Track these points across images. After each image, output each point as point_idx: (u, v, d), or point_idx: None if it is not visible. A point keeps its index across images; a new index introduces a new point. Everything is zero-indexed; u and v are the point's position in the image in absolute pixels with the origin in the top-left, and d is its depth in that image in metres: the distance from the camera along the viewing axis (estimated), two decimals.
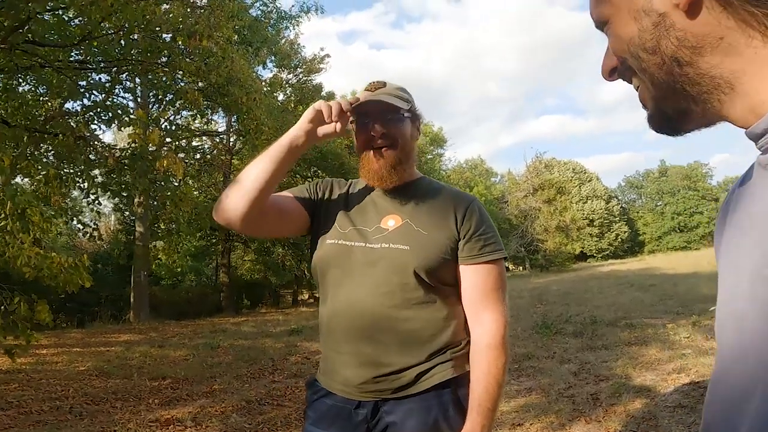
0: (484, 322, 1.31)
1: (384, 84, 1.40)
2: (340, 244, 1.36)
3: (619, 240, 45.30)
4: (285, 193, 1.46)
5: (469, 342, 1.34)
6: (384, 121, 1.33)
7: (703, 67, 0.46)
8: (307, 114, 1.29)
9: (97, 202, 7.24)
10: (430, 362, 1.30)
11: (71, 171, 6.65)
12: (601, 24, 0.54)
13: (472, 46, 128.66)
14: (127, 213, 16.26)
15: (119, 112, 6.16)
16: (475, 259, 1.33)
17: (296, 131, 1.31)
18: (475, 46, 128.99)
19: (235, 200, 1.29)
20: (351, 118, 1.37)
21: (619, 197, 52.77)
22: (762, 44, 0.44)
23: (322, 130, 1.32)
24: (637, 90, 0.55)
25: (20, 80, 6.99)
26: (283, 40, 16.76)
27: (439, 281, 1.32)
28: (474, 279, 1.33)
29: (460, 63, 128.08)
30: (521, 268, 37.46)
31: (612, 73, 0.56)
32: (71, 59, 6.72)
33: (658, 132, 0.55)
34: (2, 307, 4.58)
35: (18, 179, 7.60)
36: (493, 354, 1.27)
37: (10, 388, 5.45)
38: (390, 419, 1.30)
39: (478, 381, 1.26)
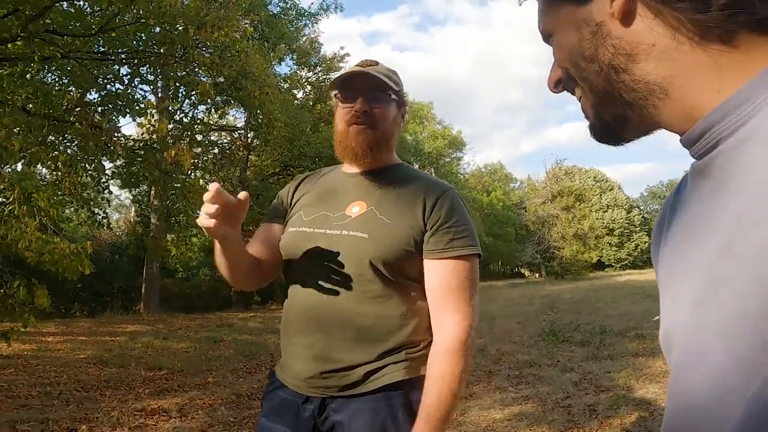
0: (445, 323, 1.20)
1: (376, 63, 1.34)
2: (301, 231, 1.30)
3: (639, 250, 44.40)
4: (261, 226, 1.44)
5: (430, 343, 1.25)
6: (369, 97, 1.27)
7: (638, 73, 0.48)
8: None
9: (108, 191, 7.31)
10: (381, 361, 1.22)
11: (81, 158, 6.73)
12: (547, 36, 0.57)
13: (495, 52, 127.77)
14: (145, 204, 16.48)
15: (132, 101, 6.21)
16: (440, 254, 1.22)
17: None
18: (499, 51, 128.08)
19: (233, 281, 1.35)
20: (335, 92, 1.32)
21: (641, 207, 51.79)
22: (690, 49, 0.45)
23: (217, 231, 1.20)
24: (579, 101, 0.57)
25: (45, 70, 7.12)
26: (304, 38, 16.84)
27: (401, 275, 1.24)
28: (438, 275, 1.22)
29: (483, 68, 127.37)
30: (537, 275, 37.02)
31: (557, 84, 0.58)
32: (94, 51, 6.82)
33: (599, 141, 0.56)
34: (2, 291, 4.63)
35: (39, 166, 7.75)
36: (450, 360, 1.17)
37: (5, 372, 5.49)
38: (337, 418, 1.23)
39: (431, 387, 1.16)
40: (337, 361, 1.22)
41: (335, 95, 1.31)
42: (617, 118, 0.52)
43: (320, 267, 1.25)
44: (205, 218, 1.12)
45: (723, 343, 0.39)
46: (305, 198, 1.39)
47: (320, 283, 1.24)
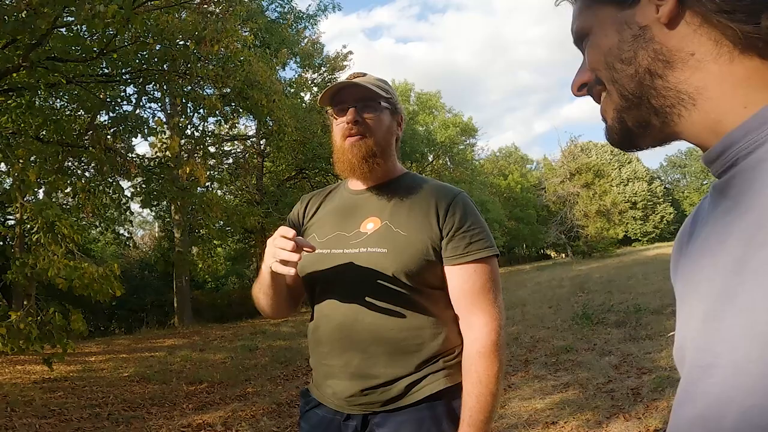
0: (474, 327, 1.21)
1: (364, 74, 1.34)
2: (317, 253, 1.28)
3: (665, 222, 43.60)
4: None
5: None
6: (359, 108, 1.26)
7: (672, 81, 0.48)
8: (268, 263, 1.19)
9: (129, 211, 7.39)
10: (420, 372, 1.22)
11: (100, 182, 6.81)
12: (582, 36, 0.56)
13: (500, 36, 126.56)
14: (168, 219, 16.70)
15: (140, 122, 6.25)
16: (460, 259, 1.22)
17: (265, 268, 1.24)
18: (504, 35, 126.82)
19: (273, 312, 1.37)
20: (329, 109, 1.32)
21: (662, 178, 50.80)
22: (729, 61, 0.45)
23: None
24: (600, 104, 0.56)
25: (52, 96, 7.21)
26: (306, 40, 16.80)
27: (425, 285, 1.23)
28: (461, 280, 1.22)
29: (489, 53, 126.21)
30: (563, 255, 36.54)
31: (581, 88, 0.57)
32: (98, 73, 6.88)
33: (613, 144, 0.56)
34: (39, 318, 4.73)
35: (59, 193, 7.88)
36: (484, 362, 1.18)
37: (55, 396, 5.63)
38: None
39: (470, 391, 1.17)
40: (376, 376, 1.22)
41: (328, 111, 1.33)
42: (640, 123, 0.52)
43: (344, 286, 1.25)
44: (278, 266, 1.12)
45: (730, 355, 0.39)
46: (316, 218, 1.39)
47: (346, 302, 1.24)
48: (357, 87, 1.26)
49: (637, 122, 0.52)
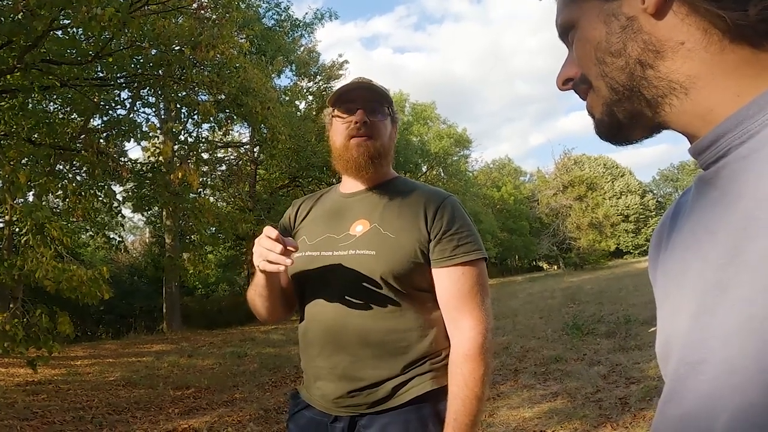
0: (460, 330, 1.21)
1: (369, 80, 1.36)
2: (307, 255, 1.30)
3: None
4: None
5: None
6: (368, 109, 1.28)
7: (663, 70, 0.47)
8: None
9: (120, 215, 7.36)
10: (406, 374, 1.22)
11: (91, 185, 6.78)
12: (568, 28, 0.55)
13: (498, 46, 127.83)
14: (159, 225, 16.61)
15: (133, 126, 6.25)
16: (447, 262, 1.23)
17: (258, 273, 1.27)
18: (502, 45, 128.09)
19: (269, 315, 1.37)
20: (332, 110, 1.33)
21: (655, 191, 51.26)
22: (719, 50, 0.44)
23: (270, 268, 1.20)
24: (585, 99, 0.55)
25: (46, 99, 7.19)
26: (302, 49, 16.89)
27: (413, 287, 1.24)
28: (447, 283, 1.23)
29: (486, 63, 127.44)
30: (555, 267, 36.67)
31: (567, 82, 0.57)
32: (93, 77, 6.88)
33: (603, 138, 0.55)
34: (25, 320, 4.69)
35: (50, 196, 7.83)
36: (470, 365, 1.17)
37: (38, 398, 5.56)
38: None
39: (455, 395, 1.17)
40: (363, 379, 1.22)
41: (332, 112, 1.33)
42: (631, 116, 0.51)
43: (332, 289, 1.26)
44: (267, 265, 1.13)
45: (723, 351, 0.38)
46: (306, 221, 1.40)
47: (335, 304, 1.25)
48: (367, 89, 1.29)
49: (628, 114, 0.51)
